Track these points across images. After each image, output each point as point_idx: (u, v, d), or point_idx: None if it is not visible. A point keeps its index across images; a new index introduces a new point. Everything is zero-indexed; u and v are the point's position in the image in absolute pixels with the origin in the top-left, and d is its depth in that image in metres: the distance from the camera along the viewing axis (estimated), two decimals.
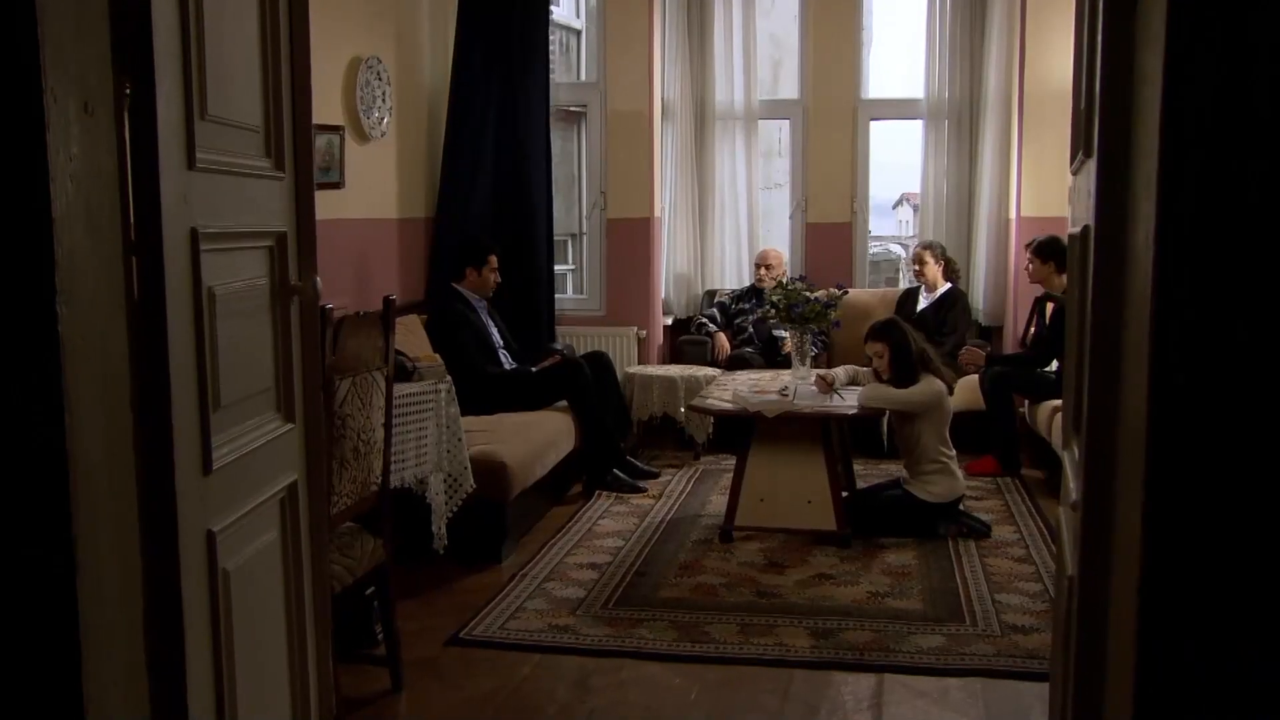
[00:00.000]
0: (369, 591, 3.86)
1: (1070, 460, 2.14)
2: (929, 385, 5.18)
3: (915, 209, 16.04)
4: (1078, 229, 1.92)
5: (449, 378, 4.43)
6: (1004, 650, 3.97)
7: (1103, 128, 1.66)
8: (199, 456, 2.10)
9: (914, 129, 7.94)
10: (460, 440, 4.46)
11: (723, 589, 4.63)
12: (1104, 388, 1.70)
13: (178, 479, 2.00)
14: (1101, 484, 1.72)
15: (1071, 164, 2.28)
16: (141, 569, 1.95)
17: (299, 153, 2.62)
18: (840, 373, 5.66)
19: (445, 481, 4.45)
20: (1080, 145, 2.02)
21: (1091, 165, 1.77)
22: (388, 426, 3.57)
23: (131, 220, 1.89)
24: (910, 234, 16.27)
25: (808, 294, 5.83)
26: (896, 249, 14.73)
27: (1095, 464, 1.72)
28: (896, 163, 9.32)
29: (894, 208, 16.33)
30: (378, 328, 3.46)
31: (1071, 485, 2.00)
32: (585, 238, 7.88)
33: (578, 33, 8.78)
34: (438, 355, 4.82)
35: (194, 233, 2.06)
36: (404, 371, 4.24)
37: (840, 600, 4.49)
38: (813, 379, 5.79)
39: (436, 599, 4.59)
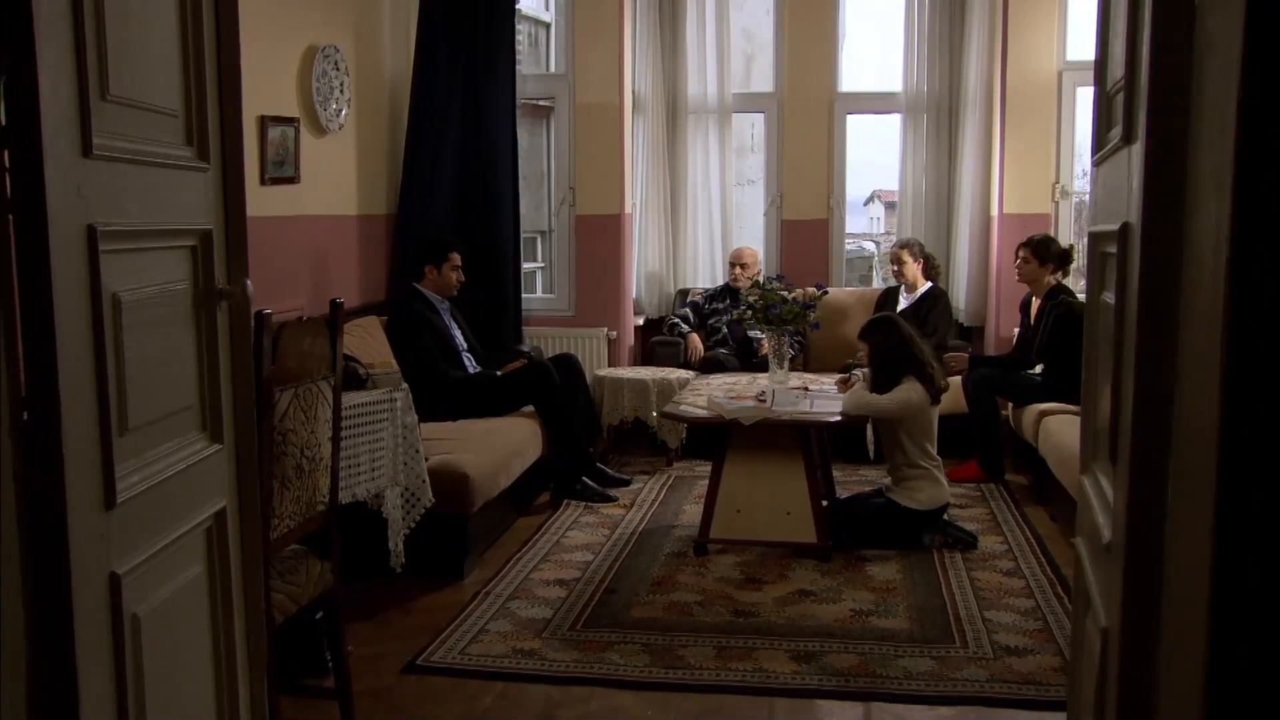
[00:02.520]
0: (318, 616, 3.57)
1: (1095, 491, 1.89)
2: (906, 391, 4.94)
3: (887, 206, 15.95)
4: (1112, 225, 1.68)
5: (405, 385, 4.14)
6: (998, 675, 3.73)
7: (1152, 107, 1.41)
8: (100, 489, 1.83)
9: (885, 124, 7.74)
10: (418, 452, 4.18)
11: (697, 608, 4.38)
12: (1151, 411, 1.45)
13: (71, 516, 1.72)
14: (1147, 524, 1.47)
15: (1094, 153, 2.03)
16: (25, 623, 1.67)
17: (227, 141, 2.34)
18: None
19: (402, 496, 4.17)
20: (1110, 130, 1.77)
21: (1134, 152, 1.52)
22: (335, 440, 3.29)
23: (10, 216, 1.62)
24: (881, 231, 16.17)
25: (785, 294, 5.58)
26: (869, 246, 14.57)
27: (1140, 501, 1.47)
28: (868, 159, 9.08)
29: (865, 204, 16.19)
30: (323, 333, 3.17)
31: (1100, 521, 1.75)
32: (554, 235, 7.61)
33: (546, 26, 8.52)
34: (393, 361, 4.53)
35: (91, 230, 1.78)
36: (356, 379, 3.96)
37: (822, 619, 4.24)
38: (791, 383, 5.55)
39: (393, 620, 4.31)
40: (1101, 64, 1.97)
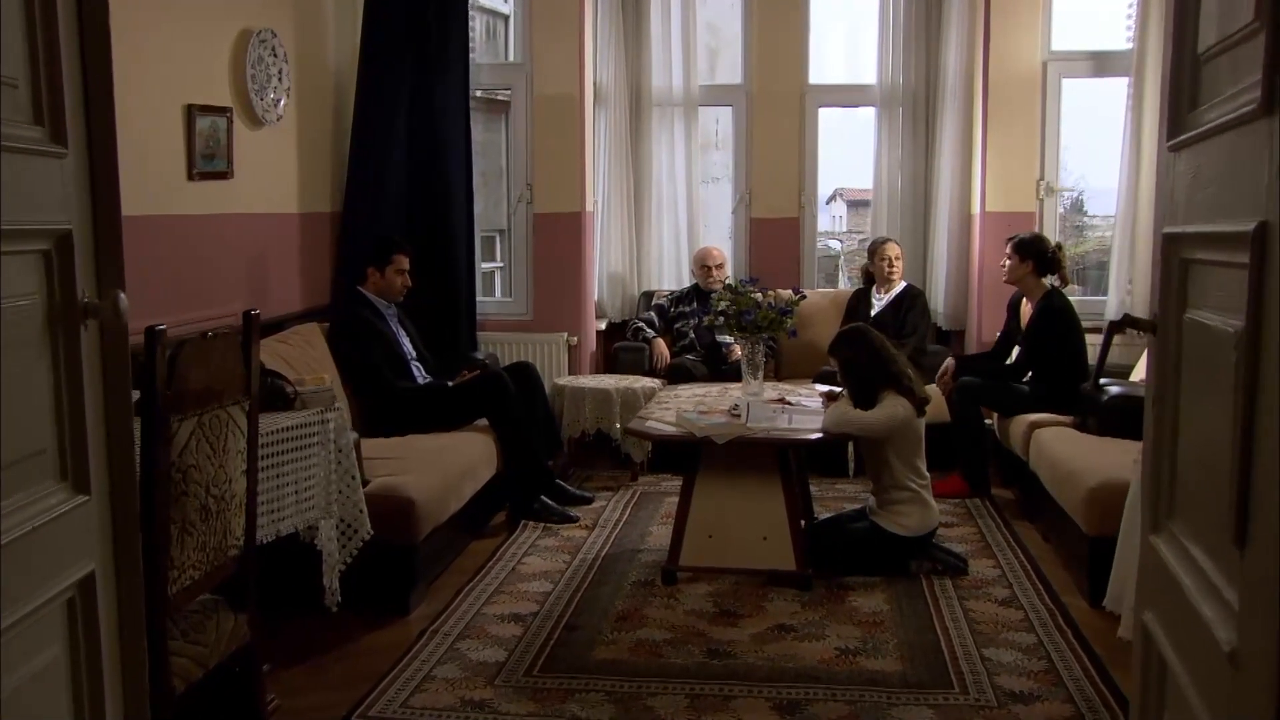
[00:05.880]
0: (236, 670, 3.12)
1: (1186, 568, 1.48)
2: (891, 407, 4.54)
3: (850, 205, 15.68)
4: (1228, 225, 1.28)
5: (339, 404, 3.69)
6: None
7: None
8: None
9: (848, 120, 7.39)
10: (354, 479, 3.73)
11: (667, 647, 3.96)
12: None
13: None
14: None
15: (1169, 136, 1.63)
16: None
17: (94, 121, 1.90)
18: None
19: (338, 528, 3.72)
20: (1197, 108, 1.37)
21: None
22: (251, 473, 2.84)
23: None
24: (843, 229, 15.90)
25: (758, 299, 5.17)
26: (835, 245, 14.29)
27: None
28: (831, 155, 8.69)
29: (828, 203, 15.96)
30: (235, 349, 2.73)
31: (1207, 613, 1.34)
32: (511, 235, 7.17)
33: (505, 18, 8.12)
34: (326, 375, 4.08)
35: None
36: (282, 398, 3.50)
37: (805, 660, 3.83)
38: (766, 394, 5.16)
39: (329, 664, 3.86)
40: (1184, 25, 1.56)
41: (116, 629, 2.00)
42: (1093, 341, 6.04)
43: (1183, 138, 1.55)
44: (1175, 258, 1.59)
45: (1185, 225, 1.53)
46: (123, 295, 1.93)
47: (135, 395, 2.39)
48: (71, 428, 1.86)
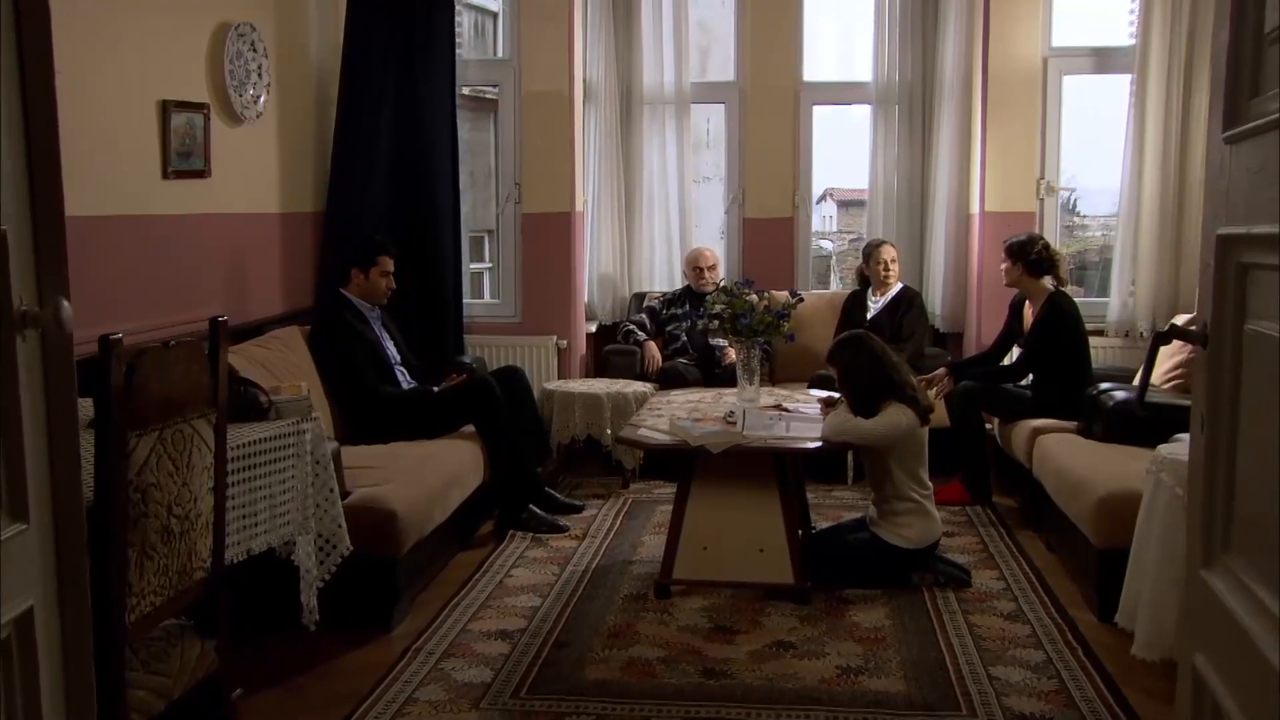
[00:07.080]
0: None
1: (1250, 608, 1.32)
2: (894, 414, 4.36)
3: (840, 205, 15.54)
4: None
5: (316, 414, 3.50)
6: None
7: None
8: None
9: (838, 118, 7.23)
10: (333, 491, 3.55)
11: (661, 665, 3.78)
12: None
13: None
14: None
15: (1225, 126, 1.46)
16: None
17: (32, 104, 1.72)
18: None
19: (316, 544, 3.54)
20: (1259, 94, 1.20)
21: None
22: (219, 490, 2.66)
23: None
24: (834, 229, 15.79)
25: (754, 301, 5.00)
26: (827, 245, 14.18)
27: None
28: (821, 154, 8.52)
29: (818, 203, 15.88)
30: (200, 359, 2.55)
31: (1277, 661, 1.18)
32: (500, 235, 6.99)
33: (494, 15, 7.94)
34: (303, 384, 3.90)
35: None
36: (256, 409, 3.32)
37: (805, 679, 3.66)
38: (762, 400, 4.99)
39: (306, 687, 3.68)
40: (1242, 4, 1.40)
41: (60, 669, 1.82)
42: (1096, 345, 5.90)
43: (1243, 128, 1.38)
44: (1232, 262, 1.43)
45: (1247, 226, 1.36)
46: (66, 303, 1.75)
47: (90, 411, 2.23)
48: (7, 449, 1.68)
